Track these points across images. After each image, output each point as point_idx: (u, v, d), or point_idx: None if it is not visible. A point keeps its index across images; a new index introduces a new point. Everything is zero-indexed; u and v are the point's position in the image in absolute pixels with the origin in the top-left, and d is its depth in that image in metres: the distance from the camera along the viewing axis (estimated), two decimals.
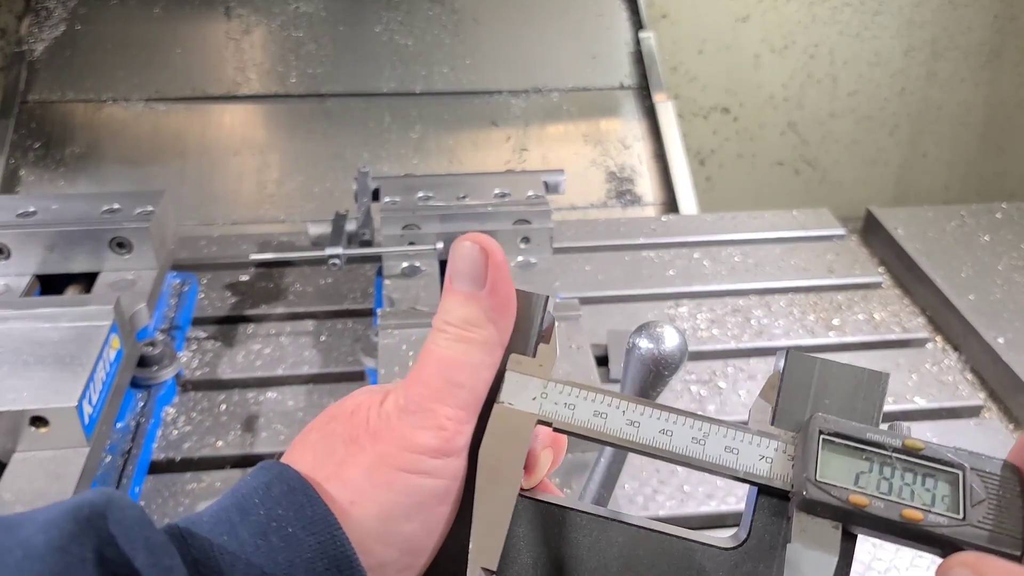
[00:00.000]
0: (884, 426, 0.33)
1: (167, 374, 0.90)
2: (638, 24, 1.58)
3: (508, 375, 0.35)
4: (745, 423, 0.34)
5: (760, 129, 2.03)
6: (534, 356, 0.36)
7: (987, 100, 2.08)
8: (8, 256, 0.93)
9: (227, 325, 1.01)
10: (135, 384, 0.89)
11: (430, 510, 0.34)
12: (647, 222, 1.23)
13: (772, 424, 0.34)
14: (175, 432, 0.87)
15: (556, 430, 0.35)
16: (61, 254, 0.93)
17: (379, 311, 0.90)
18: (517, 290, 0.36)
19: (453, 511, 0.35)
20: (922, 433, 0.90)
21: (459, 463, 0.34)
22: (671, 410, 0.34)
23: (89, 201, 0.97)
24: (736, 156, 2.06)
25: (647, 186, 1.45)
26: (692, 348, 0.98)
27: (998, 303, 1.09)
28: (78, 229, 0.93)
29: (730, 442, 0.33)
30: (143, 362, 0.90)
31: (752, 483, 0.33)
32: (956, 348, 1.07)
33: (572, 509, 0.35)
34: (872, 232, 1.28)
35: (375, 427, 0.34)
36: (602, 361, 0.95)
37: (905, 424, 0.34)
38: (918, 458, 0.31)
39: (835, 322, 1.04)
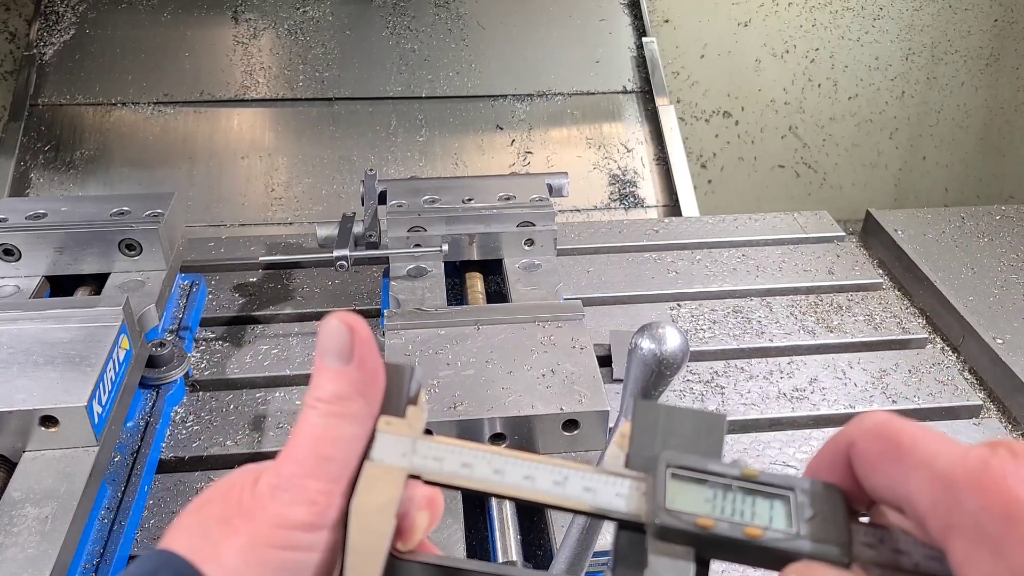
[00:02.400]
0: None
1: (176, 374, 0.91)
2: (640, 29, 1.59)
3: (378, 435, 0.36)
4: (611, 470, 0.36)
5: (761, 133, 2.04)
6: (404, 418, 0.37)
7: (986, 104, 2.09)
8: (18, 258, 0.94)
9: (235, 326, 1.02)
10: (144, 384, 0.90)
11: None
12: (649, 224, 1.24)
13: (625, 467, 0.36)
14: (184, 432, 0.88)
15: (426, 482, 0.36)
16: (71, 256, 0.94)
17: (385, 312, 0.92)
18: (385, 363, 0.37)
19: None
20: None
21: (333, 536, 0.35)
22: (533, 457, 0.36)
23: (98, 203, 0.98)
24: (737, 159, 2.07)
25: (649, 189, 1.46)
26: (693, 348, 0.99)
27: (997, 304, 1.10)
28: (88, 231, 0.94)
29: (588, 483, 0.35)
30: (152, 362, 0.91)
31: (610, 519, 0.35)
32: (955, 349, 1.08)
33: (451, 568, 0.36)
34: (872, 234, 1.29)
35: (248, 507, 0.34)
36: (605, 361, 0.96)
37: (743, 459, 0.37)
38: (755, 483, 0.34)
39: (835, 323, 1.05)
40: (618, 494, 0.35)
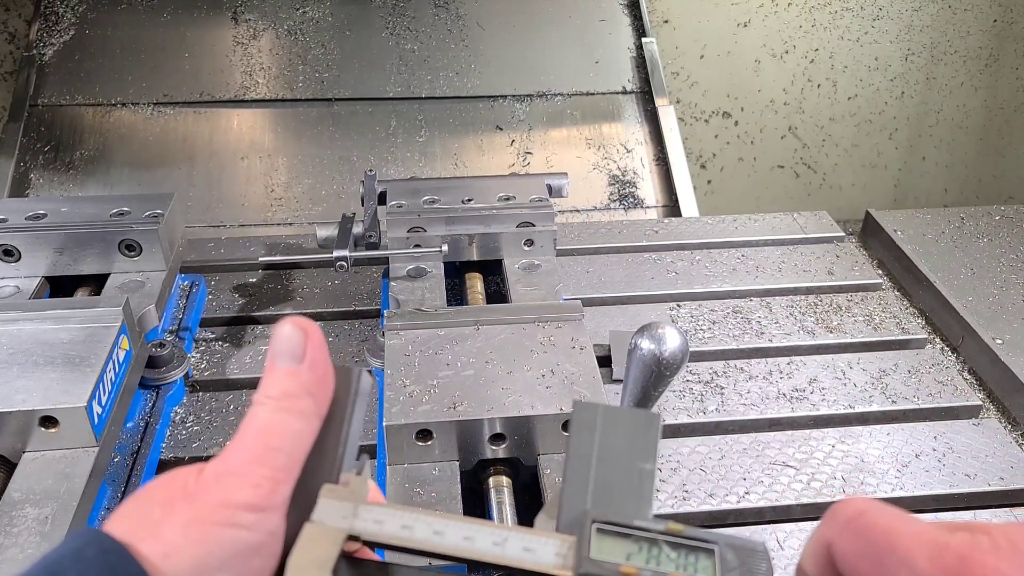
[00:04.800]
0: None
1: (176, 375, 0.91)
2: (640, 30, 1.59)
3: (321, 500, 0.37)
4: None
5: (761, 133, 2.04)
6: (348, 424, 0.38)
7: (985, 104, 2.09)
8: (18, 258, 0.94)
9: (235, 326, 1.02)
10: (144, 385, 0.90)
11: (245, 563, 0.35)
12: (649, 225, 1.24)
13: (564, 470, 0.38)
14: (184, 432, 0.88)
15: (365, 543, 0.36)
16: (71, 256, 0.94)
17: (385, 312, 0.91)
18: (335, 366, 0.38)
19: (270, 567, 0.36)
20: (921, 434, 0.91)
21: (275, 519, 0.35)
22: (473, 520, 0.37)
23: (98, 204, 0.98)
24: (737, 160, 2.07)
25: (649, 189, 1.46)
26: (693, 349, 0.99)
27: (996, 304, 1.10)
28: (87, 231, 0.94)
29: (527, 544, 0.36)
30: (152, 363, 0.91)
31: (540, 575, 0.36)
32: (955, 349, 1.08)
33: (395, 564, 0.37)
34: (871, 234, 1.29)
35: (193, 490, 0.35)
36: (604, 362, 0.96)
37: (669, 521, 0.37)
38: (680, 537, 0.35)
39: (834, 323, 1.05)
40: (557, 553, 0.36)
